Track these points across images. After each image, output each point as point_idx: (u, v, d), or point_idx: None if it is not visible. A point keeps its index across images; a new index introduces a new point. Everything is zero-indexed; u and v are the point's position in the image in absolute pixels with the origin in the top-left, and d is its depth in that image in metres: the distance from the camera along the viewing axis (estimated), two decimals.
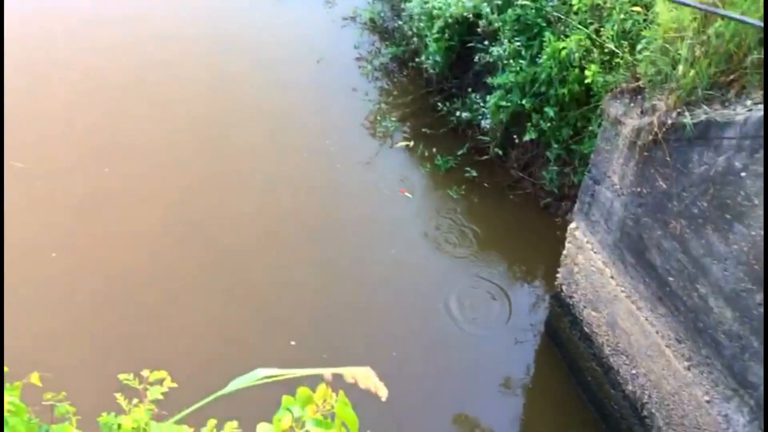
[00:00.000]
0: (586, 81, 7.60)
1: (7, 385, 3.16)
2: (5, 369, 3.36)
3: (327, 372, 1.50)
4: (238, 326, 8.60)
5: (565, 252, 7.81)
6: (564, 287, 7.94)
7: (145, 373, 2.47)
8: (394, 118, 11.85)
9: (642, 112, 5.90)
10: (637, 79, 6.04)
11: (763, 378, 5.19)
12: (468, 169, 10.56)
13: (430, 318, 8.95)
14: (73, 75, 12.22)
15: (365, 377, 1.55)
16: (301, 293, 9.13)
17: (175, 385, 2.45)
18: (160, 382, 2.42)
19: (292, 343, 8.43)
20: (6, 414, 2.77)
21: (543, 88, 9.12)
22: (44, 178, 10.15)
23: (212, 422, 2.32)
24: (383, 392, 1.60)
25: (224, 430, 2.33)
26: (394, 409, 7.31)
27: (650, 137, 5.74)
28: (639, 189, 6.18)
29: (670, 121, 5.57)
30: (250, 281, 9.21)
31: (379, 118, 11.92)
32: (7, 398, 3.05)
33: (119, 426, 2.22)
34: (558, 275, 8.09)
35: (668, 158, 5.63)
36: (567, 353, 8.22)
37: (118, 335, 8.26)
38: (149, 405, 2.33)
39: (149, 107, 11.80)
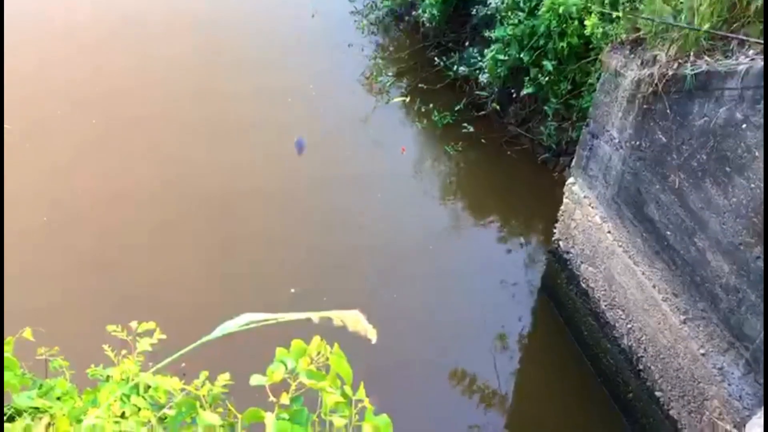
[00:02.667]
0: (586, 33, 7.44)
1: None
2: None
3: (315, 316, 1.45)
4: (235, 277, 8.61)
5: (562, 207, 7.76)
6: (561, 243, 7.92)
7: (133, 324, 2.43)
8: (390, 74, 11.69)
9: (642, 64, 5.78)
10: (638, 30, 5.91)
11: (762, 332, 5.19)
12: (465, 124, 10.44)
13: (426, 267, 8.98)
14: (57, 30, 12.03)
15: (354, 321, 1.50)
16: (296, 242, 9.15)
17: (164, 336, 2.41)
18: (150, 333, 2.39)
19: (292, 290, 8.46)
20: None
21: (541, 42, 8.96)
22: (32, 137, 10.04)
23: (204, 374, 2.29)
24: (373, 335, 1.55)
25: (217, 382, 2.30)
26: (388, 361, 7.38)
27: (650, 89, 5.64)
28: (638, 142, 6.10)
29: (670, 73, 5.46)
30: (244, 232, 9.19)
31: (375, 73, 11.75)
32: None
33: (108, 378, 2.19)
34: (555, 231, 8.06)
35: (668, 111, 5.54)
36: (563, 309, 8.24)
37: (111, 289, 8.26)
38: (138, 356, 2.30)
39: (137, 60, 11.65)
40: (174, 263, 8.69)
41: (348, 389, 2.15)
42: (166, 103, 10.97)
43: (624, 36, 6.08)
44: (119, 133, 10.34)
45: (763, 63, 4.66)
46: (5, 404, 2.66)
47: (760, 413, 4.90)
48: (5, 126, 9.88)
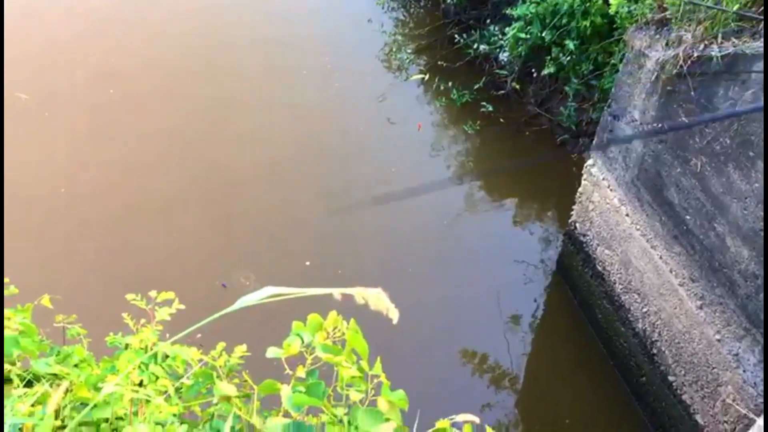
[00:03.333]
0: (610, 12, 7.30)
1: (18, 306, 3.18)
2: (15, 290, 3.37)
3: (337, 292, 1.44)
4: (250, 250, 8.66)
5: (580, 189, 7.69)
6: (578, 225, 7.86)
7: (152, 293, 2.44)
8: (409, 51, 11.59)
9: (667, 44, 5.68)
10: (664, 10, 5.79)
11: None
12: (484, 103, 10.34)
13: (441, 244, 8.98)
14: (76, 5, 12.04)
15: (376, 299, 1.49)
16: (310, 216, 9.17)
17: (182, 306, 2.42)
18: (169, 303, 2.40)
19: (307, 263, 8.49)
20: (16, 334, 2.77)
21: (564, 20, 8.83)
22: (49, 107, 10.08)
23: (221, 345, 2.30)
24: (394, 315, 1.54)
25: (234, 353, 2.31)
26: (399, 337, 7.41)
27: (675, 71, 5.54)
28: (660, 125, 6.02)
29: (696, 54, 5.36)
30: (258, 206, 9.22)
31: (394, 50, 11.66)
32: (17, 319, 3.07)
33: (126, 346, 2.21)
34: (572, 213, 8.00)
35: (692, 93, 5.45)
36: (578, 291, 8.21)
37: (126, 262, 8.32)
38: (157, 326, 2.31)
39: (153, 35, 11.65)
40: (189, 235, 8.72)
41: (364, 364, 2.15)
42: (181, 78, 10.97)
43: (649, 15, 5.97)
44: (135, 105, 10.36)
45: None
46: (24, 369, 2.70)
47: (760, 421, 4.85)
48: (22, 96, 9.93)
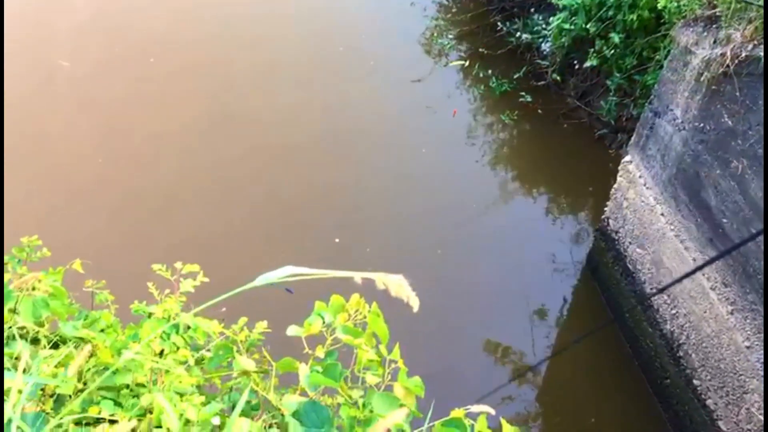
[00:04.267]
0: (658, 6, 7.14)
1: (50, 269, 3.25)
2: (47, 253, 3.44)
3: (358, 276, 1.44)
4: (281, 224, 8.75)
5: (615, 185, 7.58)
6: (611, 221, 7.76)
7: (178, 265, 2.48)
8: (451, 36, 11.49)
9: (715, 42, 5.53)
10: (714, 6, 5.64)
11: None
12: (523, 93, 10.23)
13: (471, 230, 8.97)
14: None
15: (398, 286, 1.48)
16: (341, 194, 9.22)
17: (206, 279, 2.45)
18: (194, 275, 2.43)
19: (336, 240, 8.54)
20: (45, 296, 2.83)
21: (610, 13, 8.66)
22: (90, 74, 10.24)
23: (243, 320, 2.32)
24: (415, 302, 1.53)
25: (255, 329, 2.34)
26: (425, 322, 7.46)
27: (721, 70, 5.40)
28: (702, 124, 5.88)
29: (744, 54, 5.21)
30: (291, 180, 9.28)
31: (435, 34, 11.57)
32: (48, 281, 3.14)
33: (150, 315, 2.24)
34: (606, 209, 7.89)
35: (737, 93, 5.31)
36: (606, 288, 8.11)
37: (160, 231, 8.46)
38: (181, 297, 2.34)
39: (191, 10, 11.74)
40: (222, 208, 8.83)
41: (383, 348, 2.16)
42: (219, 49, 11.05)
43: (698, 12, 5.82)
44: (175, 74, 10.48)
45: None
46: (52, 331, 2.76)
47: None
48: (64, 63, 10.09)
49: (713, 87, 5.61)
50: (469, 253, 8.71)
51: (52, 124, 9.36)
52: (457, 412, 2.00)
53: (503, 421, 2.08)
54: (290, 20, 11.72)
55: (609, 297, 8.08)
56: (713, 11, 5.66)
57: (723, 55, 5.37)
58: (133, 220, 8.59)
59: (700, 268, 5.49)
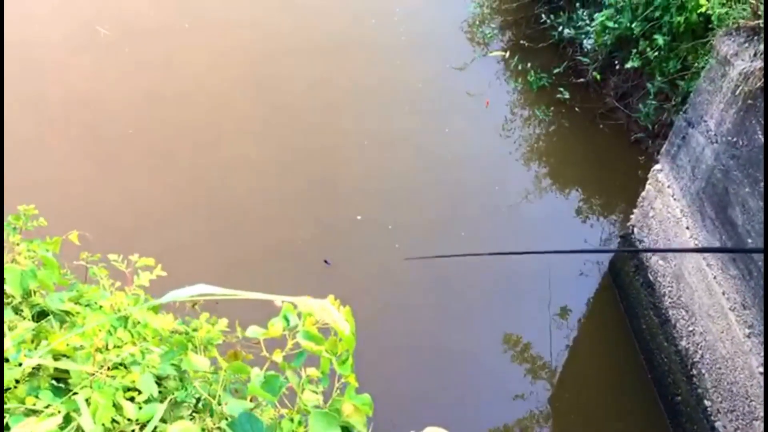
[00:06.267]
0: (700, 11, 6.83)
1: (47, 238, 3.25)
2: (44, 222, 3.45)
3: (277, 299, 1.38)
4: (302, 199, 8.78)
5: (643, 193, 7.37)
6: (636, 229, 7.55)
7: (133, 258, 2.44)
8: (493, 25, 11.26)
9: (755, 55, 5.29)
10: (759, 17, 5.38)
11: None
12: (561, 89, 9.98)
13: (497, 222, 8.92)
14: None
15: (323, 310, 1.42)
16: (366, 172, 9.22)
17: (164, 273, 2.41)
18: (150, 269, 2.39)
19: (358, 217, 8.56)
20: (33, 266, 2.81)
21: (657, 13, 8.33)
22: (129, 42, 10.33)
23: (204, 316, 2.28)
24: (344, 327, 1.47)
25: (216, 325, 2.30)
26: (450, 310, 7.64)
27: (759, 83, 5.17)
28: (735, 139, 5.65)
29: None
30: (315, 152, 9.33)
31: (478, 22, 11.34)
32: (39, 251, 3.14)
33: (100, 307, 2.22)
34: (632, 216, 7.68)
35: None
36: (626, 297, 7.92)
37: (198, 202, 8.61)
38: (137, 290, 2.31)
39: None
40: (245, 175, 8.93)
41: (336, 362, 2.09)
42: (260, 23, 11.06)
43: (742, 21, 5.56)
44: (210, 37, 10.56)
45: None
46: (35, 303, 2.75)
47: None
48: (102, 30, 10.18)
49: (749, 101, 5.37)
50: (495, 242, 8.59)
51: (90, 87, 9.50)
52: None
53: None
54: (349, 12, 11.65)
55: (627, 305, 7.89)
56: (757, 22, 5.40)
57: (762, 68, 5.12)
58: (172, 184, 8.76)
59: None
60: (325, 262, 8.10)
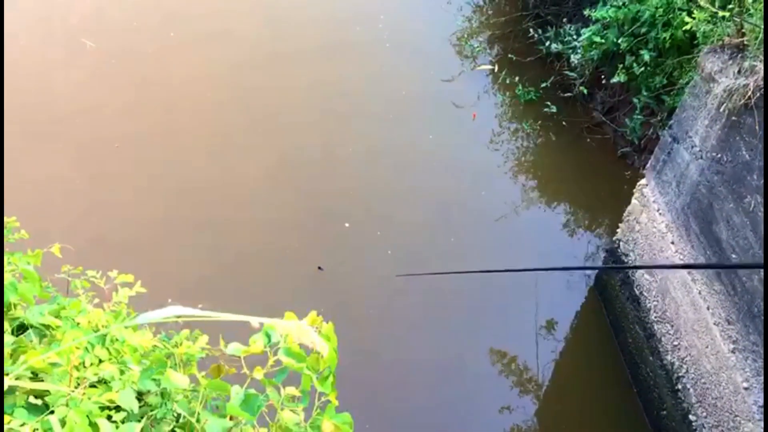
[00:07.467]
0: (685, 28, 6.89)
1: (29, 251, 3.21)
2: (26, 235, 3.41)
3: (255, 321, 1.36)
4: (291, 207, 8.82)
5: (629, 208, 7.40)
6: (621, 244, 7.58)
7: (112, 274, 2.42)
8: (482, 39, 11.32)
9: (739, 72, 5.33)
10: (743, 35, 5.44)
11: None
12: (548, 103, 10.02)
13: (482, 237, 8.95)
14: None
15: (301, 332, 1.40)
16: (353, 181, 9.25)
17: (143, 290, 2.39)
18: (130, 285, 2.37)
19: (346, 224, 8.60)
20: (13, 280, 2.78)
21: (644, 29, 8.41)
22: (116, 55, 10.33)
23: (185, 333, 2.26)
24: (322, 349, 1.45)
25: (197, 342, 2.27)
26: (431, 315, 7.77)
27: (742, 101, 5.21)
28: (719, 155, 5.69)
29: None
30: (303, 160, 9.35)
31: (467, 36, 11.40)
32: (21, 264, 3.10)
33: (78, 324, 2.19)
34: (618, 230, 7.71)
35: (757, 127, 5.11)
36: (612, 311, 7.94)
37: (185, 214, 8.59)
38: (116, 306, 2.29)
39: None
40: (233, 185, 8.98)
41: (316, 380, 2.07)
42: (249, 26, 11.09)
43: (726, 39, 5.62)
44: (196, 48, 10.64)
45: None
46: (14, 317, 2.71)
47: None
48: (88, 42, 10.15)
49: (734, 118, 5.42)
50: (483, 254, 8.61)
51: (76, 99, 9.47)
52: None
53: None
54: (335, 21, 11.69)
55: (613, 319, 7.91)
56: (741, 39, 5.45)
57: (746, 86, 5.17)
58: (167, 192, 8.79)
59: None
60: (319, 268, 8.16)
